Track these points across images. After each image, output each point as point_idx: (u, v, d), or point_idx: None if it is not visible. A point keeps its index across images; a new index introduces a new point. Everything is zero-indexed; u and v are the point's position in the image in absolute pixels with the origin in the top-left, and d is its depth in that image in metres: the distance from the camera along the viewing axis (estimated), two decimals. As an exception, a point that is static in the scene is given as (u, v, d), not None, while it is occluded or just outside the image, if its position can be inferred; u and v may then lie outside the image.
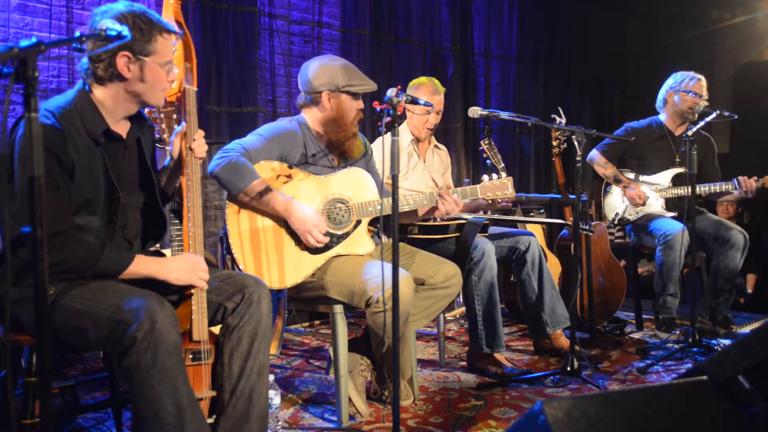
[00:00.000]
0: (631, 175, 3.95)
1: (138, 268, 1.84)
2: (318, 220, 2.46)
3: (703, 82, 3.84)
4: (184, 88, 1.97)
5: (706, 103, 3.56)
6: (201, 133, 1.99)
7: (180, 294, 1.92)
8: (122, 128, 1.96)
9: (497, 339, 3.05)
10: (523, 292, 3.29)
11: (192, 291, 1.91)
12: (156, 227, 2.07)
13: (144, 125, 2.05)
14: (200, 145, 1.99)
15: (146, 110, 2.14)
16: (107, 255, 1.80)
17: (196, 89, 2.00)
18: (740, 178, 3.68)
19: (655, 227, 3.78)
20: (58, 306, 1.76)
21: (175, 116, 2.02)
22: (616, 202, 3.98)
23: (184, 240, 1.93)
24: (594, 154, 4.01)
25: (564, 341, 3.27)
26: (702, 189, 3.73)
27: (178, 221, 2.01)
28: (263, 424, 2.00)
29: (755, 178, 3.69)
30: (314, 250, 2.51)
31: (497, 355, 3.07)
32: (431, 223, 3.00)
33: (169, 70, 1.89)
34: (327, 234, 2.50)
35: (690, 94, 3.77)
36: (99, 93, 1.87)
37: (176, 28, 1.91)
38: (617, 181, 3.93)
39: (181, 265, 1.88)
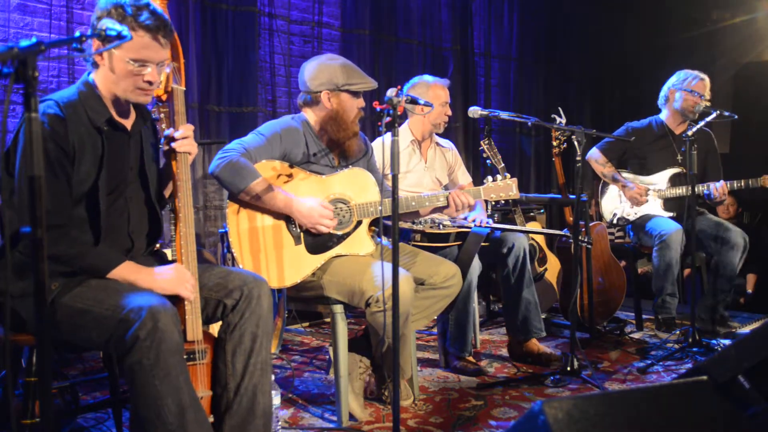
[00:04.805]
0: (630, 176, 3.95)
1: (125, 273, 1.84)
2: (321, 209, 2.46)
3: (707, 82, 3.83)
4: (171, 87, 1.96)
5: (708, 104, 3.55)
6: (191, 127, 1.96)
7: (173, 295, 1.92)
8: (127, 119, 1.96)
9: (465, 345, 3.13)
10: (503, 293, 3.29)
11: None
12: (154, 225, 2.06)
13: (147, 117, 2.05)
14: (185, 137, 1.93)
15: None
16: (96, 253, 1.81)
17: (184, 89, 1.99)
18: (713, 187, 3.68)
19: (652, 227, 3.78)
20: (59, 305, 1.76)
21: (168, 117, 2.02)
22: (613, 202, 3.98)
23: (176, 240, 1.93)
24: (593, 152, 4.00)
25: (533, 346, 3.24)
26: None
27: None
28: (268, 420, 2.00)
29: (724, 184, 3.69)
30: (314, 250, 2.51)
31: (468, 358, 3.15)
32: (434, 230, 3.00)
33: (142, 68, 1.82)
34: (329, 234, 2.50)
35: (693, 94, 3.76)
36: (98, 80, 1.88)
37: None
38: (614, 181, 3.93)
39: (169, 275, 1.87)
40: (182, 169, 1.94)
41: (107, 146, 1.88)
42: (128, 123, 1.96)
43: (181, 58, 2.00)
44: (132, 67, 1.81)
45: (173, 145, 1.93)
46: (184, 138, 1.94)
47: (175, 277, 1.86)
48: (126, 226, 1.95)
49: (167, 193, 2.13)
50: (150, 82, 1.84)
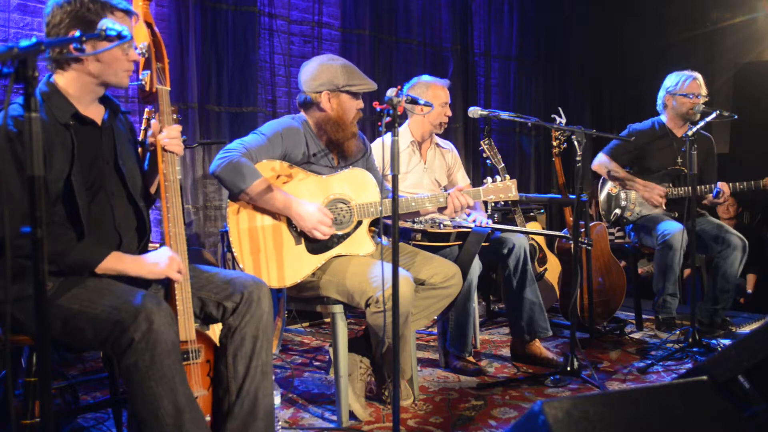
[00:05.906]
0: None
1: (112, 264, 1.83)
2: (321, 215, 2.46)
3: (700, 80, 3.83)
4: (156, 88, 1.95)
5: (706, 99, 3.55)
6: (178, 128, 1.96)
7: (165, 294, 1.91)
8: (95, 113, 1.94)
9: (465, 345, 3.13)
10: (505, 294, 3.29)
11: (176, 290, 1.88)
12: (141, 220, 2.04)
13: (117, 110, 2.04)
14: (173, 138, 1.94)
15: (146, 110, 2.14)
16: (80, 248, 1.80)
17: (168, 89, 1.98)
18: (720, 184, 3.71)
19: (654, 228, 3.78)
20: (55, 306, 1.76)
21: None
22: (609, 202, 3.98)
23: (166, 241, 1.93)
24: (601, 158, 3.95)
25: (537, 349, 3.23)
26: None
27: None
28: (270, 422, 2.00)
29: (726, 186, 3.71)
30: (314, 250, 2.51)
31: (468, 358, 3.15)
32: (435, 230, 3.00)
33: (127, 48, 1.86)
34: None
35: (688, 96, 3.77)
36: (62, 81, 1.86)
37: (131, 8, 1.89)
38: (629, 182, 3.89)
39: (157, 258, 1.87)
40: (169, 169, 1.93)
41: (77, 141, 1.86)
42: (97, 117, 1.94)
43: (165, 59, 1.99)
44: (119, 51, 1.84)
45: (163, 142, 1.92)
46: (171, 138, 1.94)
47: (164, 259, 1.86)
48: (111, 221, 1.93)
49: (153, 189, 2.13)
50: (133, 62, 1.89)
